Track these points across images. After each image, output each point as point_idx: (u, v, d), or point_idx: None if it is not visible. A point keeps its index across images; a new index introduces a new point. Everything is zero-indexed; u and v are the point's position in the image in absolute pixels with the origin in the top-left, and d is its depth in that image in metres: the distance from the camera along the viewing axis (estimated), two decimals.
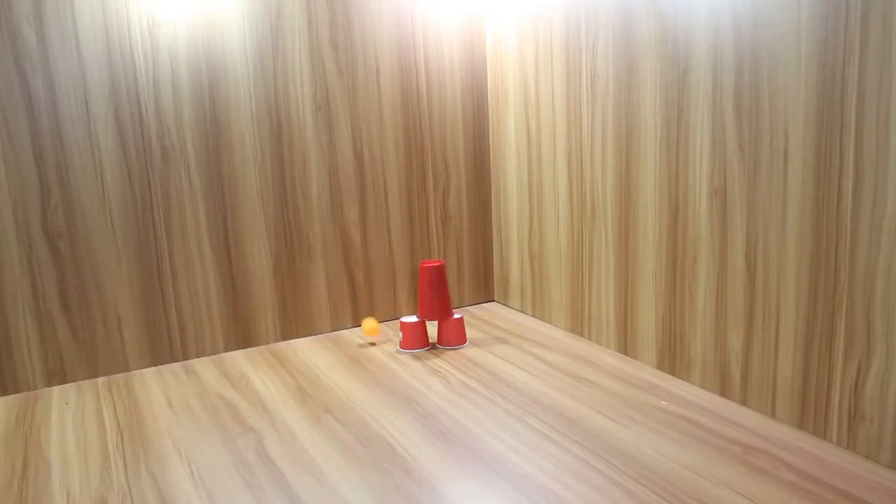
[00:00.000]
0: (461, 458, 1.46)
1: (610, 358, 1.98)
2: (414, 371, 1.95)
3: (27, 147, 1.85)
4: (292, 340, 2.26)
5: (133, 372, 2.05)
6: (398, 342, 2.15)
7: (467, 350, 2.10)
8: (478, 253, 2.56)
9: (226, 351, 2.18)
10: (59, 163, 1.89)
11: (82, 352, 1.99)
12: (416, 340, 2.11)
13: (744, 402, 1.64)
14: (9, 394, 1.92)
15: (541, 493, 1.31)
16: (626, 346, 1.99)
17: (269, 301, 2.22)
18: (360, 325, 2.36)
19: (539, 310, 2.36)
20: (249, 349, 2.20)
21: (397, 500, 1.31)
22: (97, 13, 1.87)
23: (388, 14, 2.24)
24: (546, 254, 2.28)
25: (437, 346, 2.14)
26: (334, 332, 2.32)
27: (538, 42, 2.15)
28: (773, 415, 1.57)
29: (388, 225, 2.37)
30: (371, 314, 2.38)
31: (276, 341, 2.25)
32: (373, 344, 2.18)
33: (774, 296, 1.52)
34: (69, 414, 1.79)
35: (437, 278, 2.10)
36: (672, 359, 1.83)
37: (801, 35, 1.39)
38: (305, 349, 2.18)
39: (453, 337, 2.13)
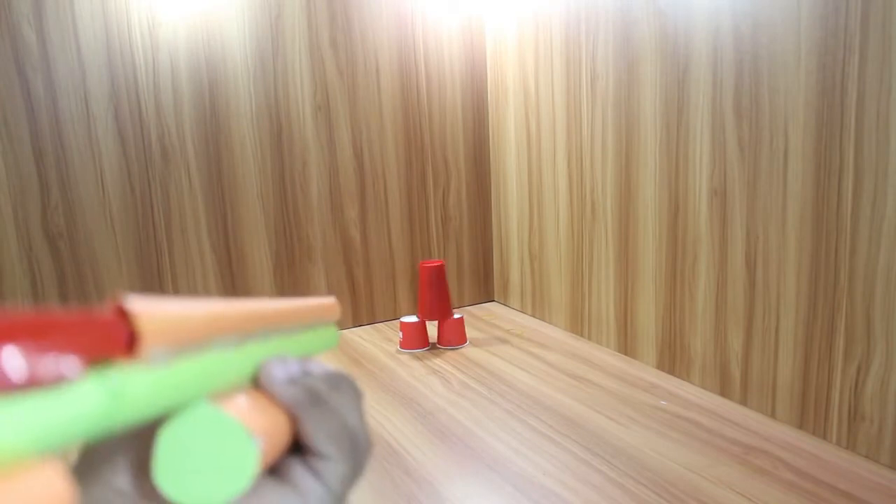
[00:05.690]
0: (461, 458, 1.46)
1: (610, 358, 1.98)
2: (414, 371, 1.95)
3: (27, 147, 1.85)
4: None
5: None
6: (398, 342, 2.15)
7: (467, 350, 2.10)
8: (478, 253, 2.56)
9: None
10: (59, 163, 1.89)
11: None
12: (416, 340, 2.11)
13: (744, 402, 1.63)
14: None
15: (541, 493, 1.31)
16: (626, 346, 1.99)
17: None
18: (360, 325, 2.36)
19: (539, 310, 2.36)
20: None
21: (397, 500, 1.31)
22: (97, 13, 1.87)
23: (388, 14, 2.24)
24: (546, 254, 2.28)
25: (438, 346, 2.14)
26: None
27: (538, 42, 2.15)
28: (773, 415, 1.57)
29: (388, 225, 2.37)
30: (371, 314, 2.38)
31: None
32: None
33: (774, 296, 1.52)
34: None
35: (437, 278, 2.10)
36: (672, 359, 1.83)
37: (801, 35, 1.39)
38: None
39: (453, 337, 2.13)
